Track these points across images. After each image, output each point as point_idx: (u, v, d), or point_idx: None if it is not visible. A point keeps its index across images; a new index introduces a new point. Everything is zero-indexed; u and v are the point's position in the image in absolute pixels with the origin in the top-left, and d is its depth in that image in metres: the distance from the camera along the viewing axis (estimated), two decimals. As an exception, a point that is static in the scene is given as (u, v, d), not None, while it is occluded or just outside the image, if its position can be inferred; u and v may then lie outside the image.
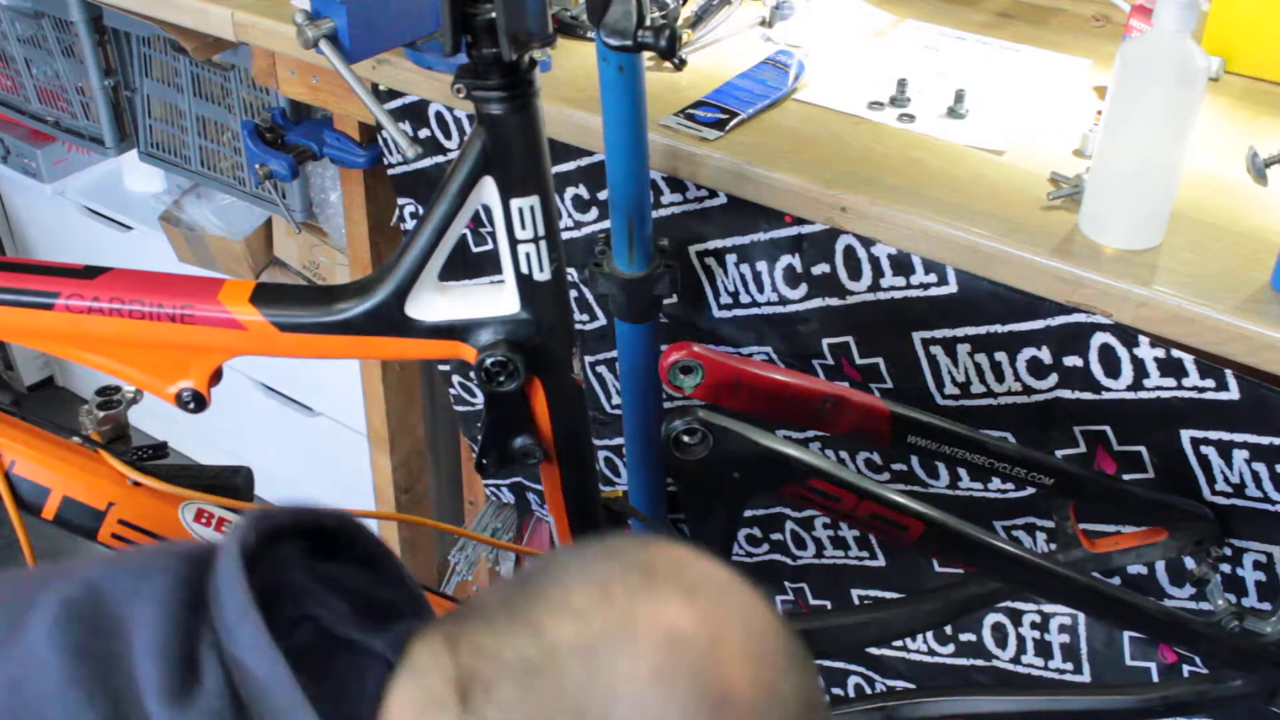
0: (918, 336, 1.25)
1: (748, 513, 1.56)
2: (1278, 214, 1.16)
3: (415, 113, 1.45)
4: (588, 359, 1.55)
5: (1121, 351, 1.12)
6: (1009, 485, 1.31)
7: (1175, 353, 1.09)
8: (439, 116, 1.44)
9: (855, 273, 1.25)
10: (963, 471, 1.34)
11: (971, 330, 1.20)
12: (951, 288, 1.19)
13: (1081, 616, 1.36)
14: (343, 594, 0.67)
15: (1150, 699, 1.18)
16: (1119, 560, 1.23)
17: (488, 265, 1.54)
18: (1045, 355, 1.17)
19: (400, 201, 1.60)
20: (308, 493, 2.22)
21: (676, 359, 1.03)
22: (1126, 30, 1.39)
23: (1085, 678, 1.39)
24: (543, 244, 0.96)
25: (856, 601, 1.54)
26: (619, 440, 1.55)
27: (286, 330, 0.99)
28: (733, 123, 1.27)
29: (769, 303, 1.34)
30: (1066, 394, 1.19)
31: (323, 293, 1.01)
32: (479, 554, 1.99)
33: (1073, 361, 1.16)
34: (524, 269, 0.97)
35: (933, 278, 1.19)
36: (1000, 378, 1.22)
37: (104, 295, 0.98)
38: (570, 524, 1.12)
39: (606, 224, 1.27)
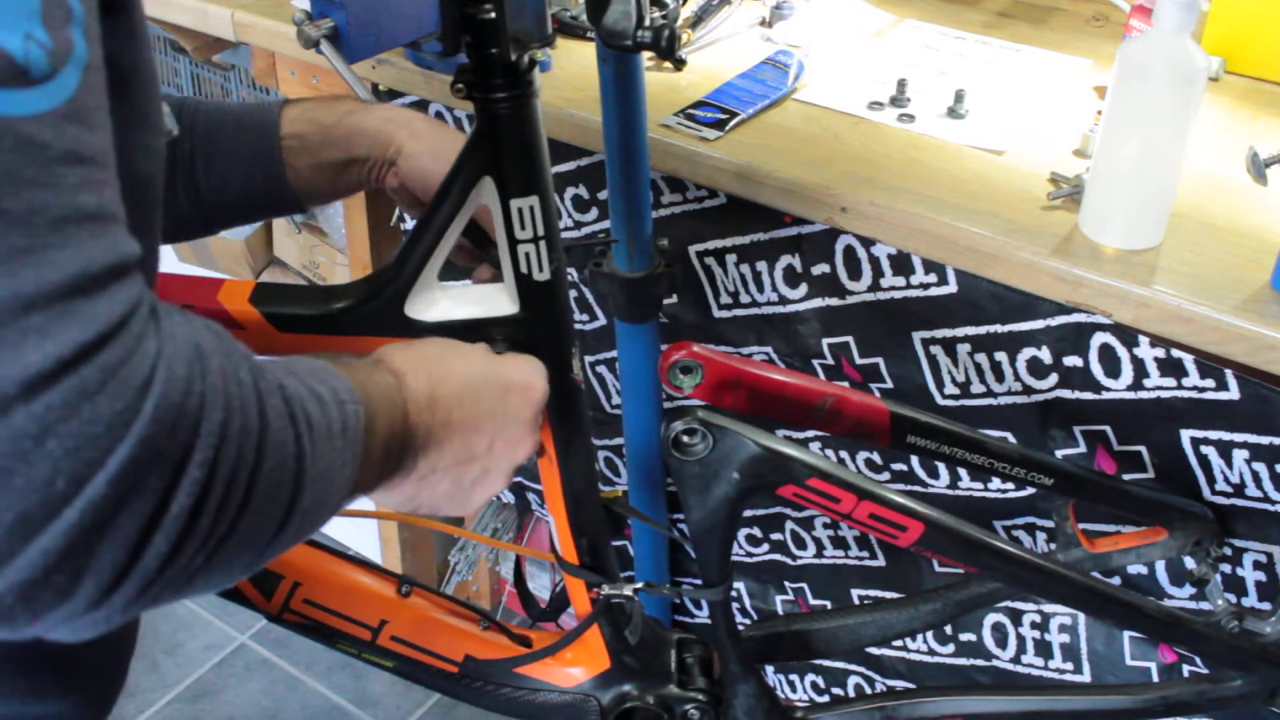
0: (918, 336, 1.25)
1: (748, 513, 1.56)
2: (1278, 214, 1.16)
3: (415, 113, 1.45)
4: (588, 359, 1.55)
5: (1121, 351, 1.12)
6: (1009, 485, 1.31)
7: (1175, 353, 1.09)
8: (439, 117, 1.44)
9: (855, 273, 1.25)
10: (962, 471, 1.34)
11: (971, 330, 1.20)
12: (951, 288, 1.19)
13: (1081, 616, 1.36)
14: None
15: (1149, 699, 1.18)
16: (1119, 560, 1.23)
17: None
18: (1045, 355, 1.17)
19: (400, 201, 1.60)
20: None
21: (676, 359, 1.03)
22: (1126, 30, 1.39)
23: (1085, 678, 1.39)
24: (542, 244, 0.96)
25: (856, 601, 1.54)
26: (619, 440, 1.55)
27: (286, 330, 0.99)
28: (733, 123, 1.27)
29: (769, 303, 1.34)
30: (1066, 394, 1.19)
31: (322, 293, 1.01)
32: (479, 554, 1.99)
33: (1073, 361, 1.16)
34: (523, 269, 0.97)
35: (933, 278, 1.19)
36: (1000, 378, 1.22)
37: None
38: (570, 523, 1.12)
39: (606, 224, 1.27)
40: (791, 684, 1.69)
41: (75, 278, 0.47)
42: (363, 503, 0.73)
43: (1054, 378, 1.18)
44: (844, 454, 1.43)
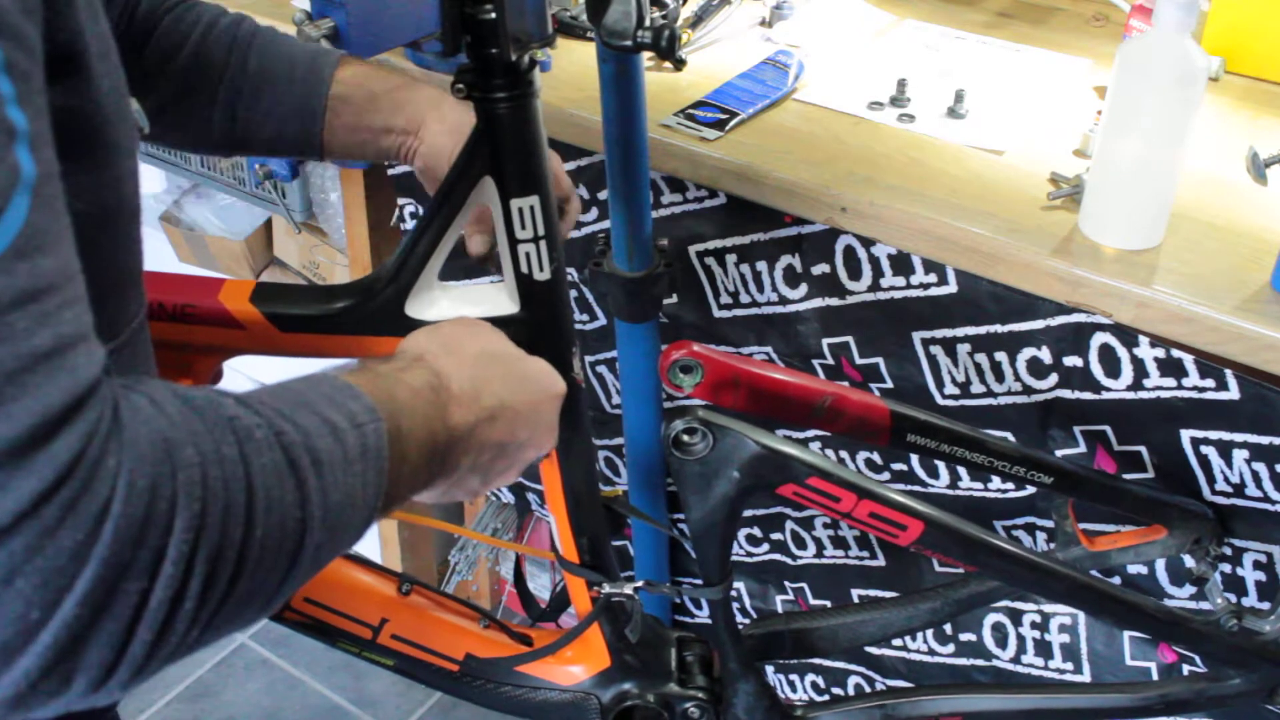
0: (918, 336, 1.25)
1: (748, 513, 1.56)
2: (1278, 214, 1.16)
3: (415, 113, 1.45)
4: (588, 359, 1.55)
5: (1121, 351, 1.12)
6: (1009, 485, 1.31)
7: (1175, 353, 1.09)
8: (439, 116, 1.44)
9: (855, 273, 1.25)
10: (963, 471, 1.34)
11: (971, 330, 1.20)
12: (951, 288, 1.19)
13: (1081, 616, 1.36)
14: None
15: (1149, 697, 1.18)
16: (1118, 559, 1.23)
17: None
18: (1045, 355, 1.17)
19: (400, 201, 1.60)
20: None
21: (676, 358, 1.03)
22: (1126, 30, 1.39)
23: (1085, 678, 1.39)
24: (542, 244, 0.96)
25: (857, 602, 1.54)
26: (619, 440, 1.55)
27: (286, 329, 0.99)
28: (733, 123, 1.27)
29: (769, 303, 1.34)
30: (1066, 394, 1.19)
31: (323, 292, 1.01)
32: (479, 554, 1.99)
33: (1073, 361, 1.16)
34: (524, 269, 0.97)
35: (933, 278, 1.20)
36: (1000, 378, 1.22)
37: (104, 295, 0.98)
38: (570, 522, 1.12)
39: (606, 224, 1.27)
40: (792, 684, 1.69)
41: (32, 428, 0.47)
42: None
43: (1054, 378, 1.18)
44: (844, 454, 1.43)
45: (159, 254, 2.09)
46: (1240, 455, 1.12)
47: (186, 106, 0.99)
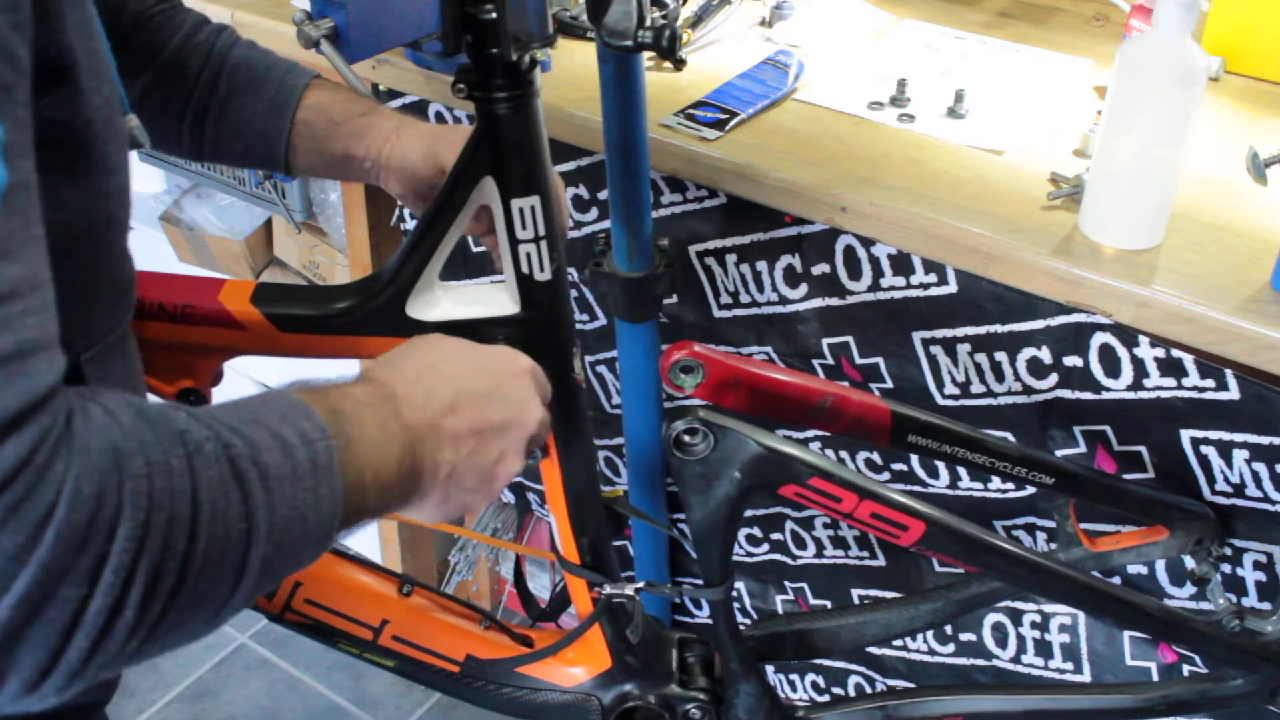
0: (918, 336, 1.25)
1: (748, 513, 1.56)
2: (1278, 214, 1.16)
3: (415, 113, 1.45)
4: (588, 359, 1.55)
5: (1121, 351, 1.12)
6: (1009, 485, 1.31)
7: (1175, 353, 1.09)
8: (439, 117, 1.44)
9: (855, 273, 1.25)
10: (963, 471, 1.34)
11: (971, 330, 1.20)
12: (951, 288, 1.19)
13: (1082, 616, 1.36)
14: None
15: (1151, 698, 1.18)
16: (1119, 559, 1.23)
17: (489, 265, 1.54)
18: (1045, 355, 1.17)
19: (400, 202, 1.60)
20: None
21: (677, 358, 1.03)
22: (1126, 30, 1.39)
23: (1085, 678, 1.39)
24: (543, 244, 0.96)
25: (857, 602, 1.54)
26: (619, 440, 1.55)
27: (287, 330, 0.99)
28: (733, 123, 1.27)
29: (769, 303, 1.34)
30: (1066, 394, 1.19)
31: (323, 293, 1.01)
32: (479, 554, 1.99)
33: (1073, 361, 1.16)
34: (524, 269, 0.97)
35: (933, 278, 1.20)
36: (1000, 377, 1.22)
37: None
38: (571, 523, 1.12)
39: (606, 224, 1.27)
40: (792, 684, 1.69)
41: None
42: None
43: (1054, 378, 1.18)
44: (844, 454, 1.43)
45: (159, 254, 2.09)
46: (1240, 455, 1.12)
47: (157, 113, 1.00)
